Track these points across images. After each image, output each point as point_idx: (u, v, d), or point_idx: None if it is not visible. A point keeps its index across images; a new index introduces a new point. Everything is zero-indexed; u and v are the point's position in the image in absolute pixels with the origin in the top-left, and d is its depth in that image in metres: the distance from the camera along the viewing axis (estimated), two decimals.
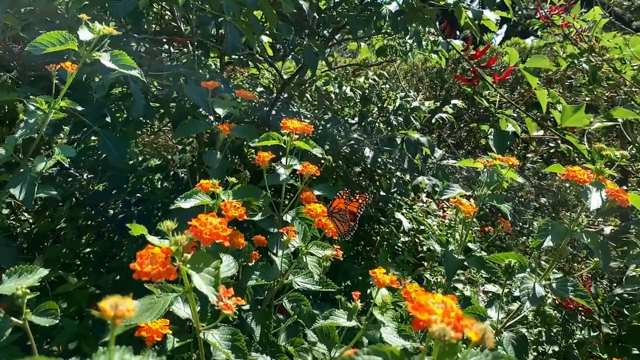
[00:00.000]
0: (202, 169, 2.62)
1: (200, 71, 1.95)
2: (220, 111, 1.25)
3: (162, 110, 1.95)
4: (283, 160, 1.19)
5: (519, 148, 3.55)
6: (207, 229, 0.71)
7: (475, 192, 1.32)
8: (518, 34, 5.80)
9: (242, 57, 2.29)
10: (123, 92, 2.00)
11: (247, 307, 1.06)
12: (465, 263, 1.22)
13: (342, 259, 1.02)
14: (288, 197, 1.38)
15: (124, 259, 2.34)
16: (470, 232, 1.32)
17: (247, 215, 1.15)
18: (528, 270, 1.06)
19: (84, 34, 1.13)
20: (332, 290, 1.05)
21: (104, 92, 1.44)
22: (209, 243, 0.70)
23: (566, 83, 3.39)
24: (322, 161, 1.48)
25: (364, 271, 2.42)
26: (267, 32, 2.44)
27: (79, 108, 1.24)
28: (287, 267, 1.08)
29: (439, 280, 2.12)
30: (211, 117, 1.59)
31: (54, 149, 1.23)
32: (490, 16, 2.24)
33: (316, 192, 1.34)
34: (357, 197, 1.18)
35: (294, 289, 1.08)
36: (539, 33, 3.03)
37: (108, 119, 2.01)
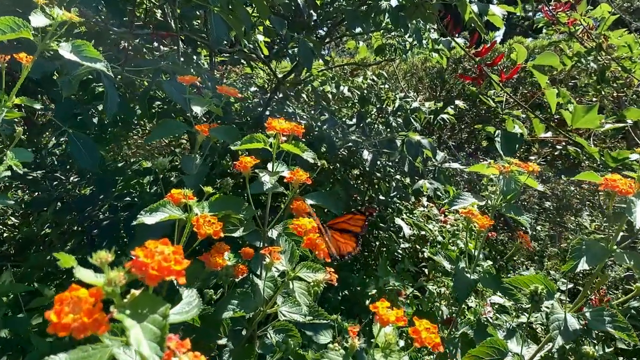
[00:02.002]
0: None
1: (193, 70, 1.76)
2: (197, 109, 1.06)
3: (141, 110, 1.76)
4: (269, 165, 1.00)
5: (521, 150, 3.36)
6: (154, 262, 0.51)
7: (488, 202, 1.13)
8: (517, 35, 5.61)
9: (234, 54, 2.10)
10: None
11: (223, 341, 0.87)
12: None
13: (336, 283, 0.83)
14: (284, 201, 1.20)
15: None
16: (480, 243, 1.13)
17: (226, 231, 0.96)
18: (557, 296, 0.87)
19: (37, 20, 0.94)
20: (325, 321, 0.85)
21: (72, 89, 1.25)
22: (157, 281, 0.51)
23: (570, 83, 3.21)
24: (318, 165, 1.29)
25: (362, 280, 2.23)
26: (261, 29, 2.25)
27: (37, 106, 1.05)
28: (271, 292, 0.89)
29: (442, 291, 1.93)
30: (204, 118, 1.41)
31: (7, 152, 1.03)
32: (497, 11, 2.05)
33: (309, 202, 1.15)
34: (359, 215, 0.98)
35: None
36: (543, 31, 2.84)
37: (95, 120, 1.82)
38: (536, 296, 0.84)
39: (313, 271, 0.85)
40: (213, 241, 1.09)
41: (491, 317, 1.94)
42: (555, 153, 3.13)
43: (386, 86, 3.01)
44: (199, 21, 2.17)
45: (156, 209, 0.86)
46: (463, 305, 1.95)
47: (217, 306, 0.84)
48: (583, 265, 0.82)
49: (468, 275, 1.04)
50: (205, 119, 1.98)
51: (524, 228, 3.17)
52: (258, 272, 0.93)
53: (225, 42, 2.46)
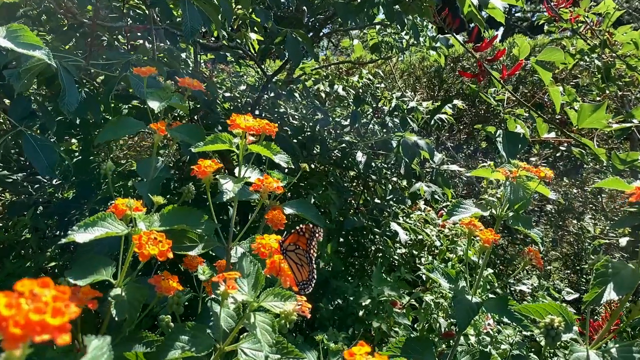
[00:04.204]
0: (181, 175, 2.26)
1: (165, 66, 1.60)
2: (155, 105, 0.89)
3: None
4: (236, 170, 0.83)
5: (521, 152, 3.18)
6: (19, 314, 0.34)
7: (493, 211, 0.95)
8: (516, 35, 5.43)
9: (219, 50, 1.93)
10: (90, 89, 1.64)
11: None
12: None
13: (309, 315, 0.66)
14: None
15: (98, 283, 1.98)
16: (484, 261, 0.96)
17: (182, 249, 0.79)
18: (575, 329, 0.70)
19: None
20: (298, 358, 0.68)
21: (26, 84, 1.09)
22: (21, 343, 0.34)
23: (572, 83, 3.03)
24: (309, 167, 1.12)
25: (356, 288, 2.06)
26: (249, 23, 2.08)
27: None
28: (233, 323, 0.72)
29: (440, 303, 1.76)
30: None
31: None
32: (497, 4, 1.88)
33: (287, 210, 0.98)
34: (304, 230, 0.73)
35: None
36: (545, 28, 2.67)
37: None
38: (552, 330, 0.67)
39: (282, 299, 0.68)
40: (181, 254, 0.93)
41: (492, 330, 1.78)
42: (557, 154, 2.96)
43: (382, 85, 2.84)
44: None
45: (93, 223, 0.69)
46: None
47: (160, 343, 0.67)
48: (610, 295, 0.65)
49: (469, 297, 0.87)
50: (188, 118, 1.80)
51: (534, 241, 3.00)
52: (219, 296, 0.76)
53: (213, 37, 2.30)
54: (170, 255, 0.67)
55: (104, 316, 0.75)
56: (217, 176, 0.78)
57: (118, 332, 0.76)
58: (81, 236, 0.68)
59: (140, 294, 0.71)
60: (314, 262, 0.69)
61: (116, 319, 0.68)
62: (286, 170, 1.26)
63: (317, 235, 0.70)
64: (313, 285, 0.69)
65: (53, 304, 0.36)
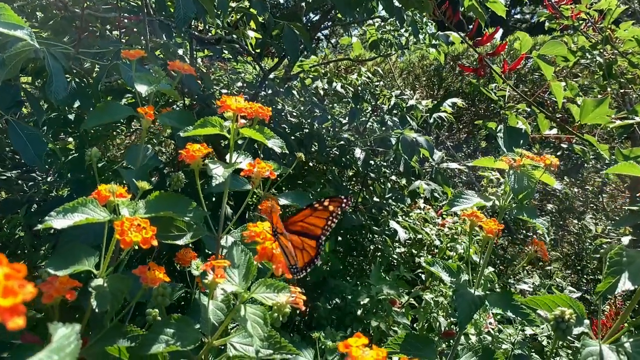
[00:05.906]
0: (177, 169, 2.22)
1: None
2: (143, 89, 0.85)
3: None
4: (227, 157, 0.79)
5: (522, 148, 3.13)
6: None
7: (496, 202, 0.91)
8: None
9: (215, 44, 1.89)
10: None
11: None
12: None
13: (303, 307, 0.62)
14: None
15: (81, 274, 1.94)
16: (487, 253, 0.91)
17: (170, 238, 0.74)
18: (587, 322, 0.65)
19: None
20: (290, 355, 0.64)
21: (10, 71, 1.04)
22: None
23: (572, 81, 2.99)
24: (307, 161, 1.07)
25: (355, 287, 2.01)
26: (246, 18, 2.04)
27: None
28: (223, 316, 0.67)
29: (440, 301, 1.71)
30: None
31: None
32: None
33: (282, 201, 0.93)
34: (327, 204, 0.68)
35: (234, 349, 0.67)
36: (546, 25, 2.62)
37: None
38: (563, 323, 0.63)
39: (275, 290, 0.63)
40: (176, 248, 0.88)
41: (493, 329, 1.73)
42: (557, 153, 2.91)
43: (381, 84, 2.80)
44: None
45: (73, 209, 0.65)
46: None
47: (143, 337, 0.62)
48: (625, 285, 0.60)
49: (471, 290, 0.82)
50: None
51: (523, 231, 2.96)
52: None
53: (210, 34, 2.26)
54: (155, 243, 0.63)
55: (86, 309, 0.70)
56: (207, 161, 0.74)
57: (102, 325, 0.72)
58: (59, 222, 0.63)
59: (123, 285, 0.66)
60: (321, 242, 0.64)
61: (96, 310, 0.63)
62: (283, 165, 1.21)
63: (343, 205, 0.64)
64: (308, 270, 0.64)
65: (5, 282, 0.32)
